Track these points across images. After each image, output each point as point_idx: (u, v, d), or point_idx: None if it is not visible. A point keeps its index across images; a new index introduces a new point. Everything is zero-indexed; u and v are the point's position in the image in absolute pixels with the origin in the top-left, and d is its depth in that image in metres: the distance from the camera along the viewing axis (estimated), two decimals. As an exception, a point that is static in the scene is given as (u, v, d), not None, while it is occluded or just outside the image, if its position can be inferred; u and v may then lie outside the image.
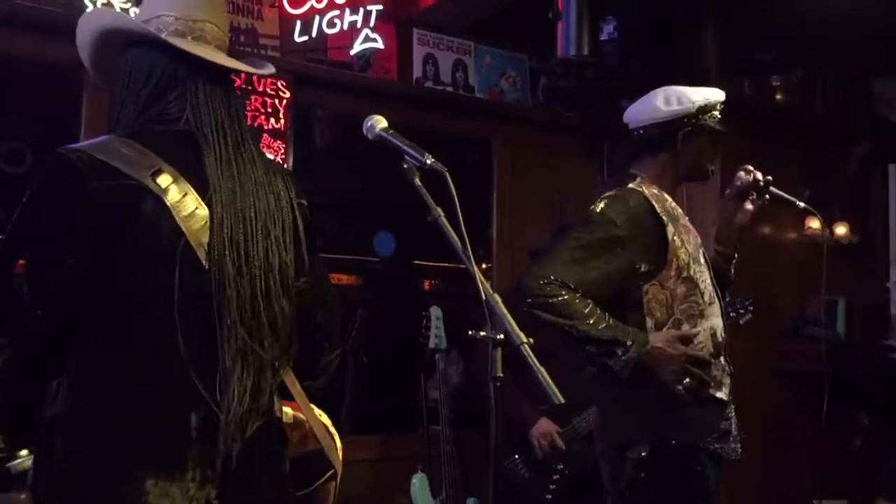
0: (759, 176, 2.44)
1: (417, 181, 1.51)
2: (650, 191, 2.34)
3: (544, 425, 3.31)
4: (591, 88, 4.07)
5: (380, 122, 1.60)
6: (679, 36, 4.09)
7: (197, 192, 1.46)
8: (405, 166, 1.52)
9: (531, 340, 1.37)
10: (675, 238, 2.28)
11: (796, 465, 4.15)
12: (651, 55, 3.77)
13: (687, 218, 2.43)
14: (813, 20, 3.99)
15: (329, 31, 3.67)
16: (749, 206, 2.47)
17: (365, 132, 1.62)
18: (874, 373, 4.10)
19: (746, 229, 2.50)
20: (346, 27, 3.66)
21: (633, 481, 2.21)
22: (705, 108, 2.36)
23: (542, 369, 1.34)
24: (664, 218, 2.28)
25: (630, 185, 2.36)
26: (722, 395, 2.30)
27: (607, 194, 2.34)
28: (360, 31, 3.69)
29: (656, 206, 2.29)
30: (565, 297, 2.14)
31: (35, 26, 3.16)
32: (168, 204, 1.42)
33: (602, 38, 3.65)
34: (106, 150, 1.44)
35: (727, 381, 2.34)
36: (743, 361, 4.02)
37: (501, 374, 1.36)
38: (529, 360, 1.33)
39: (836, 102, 4.68)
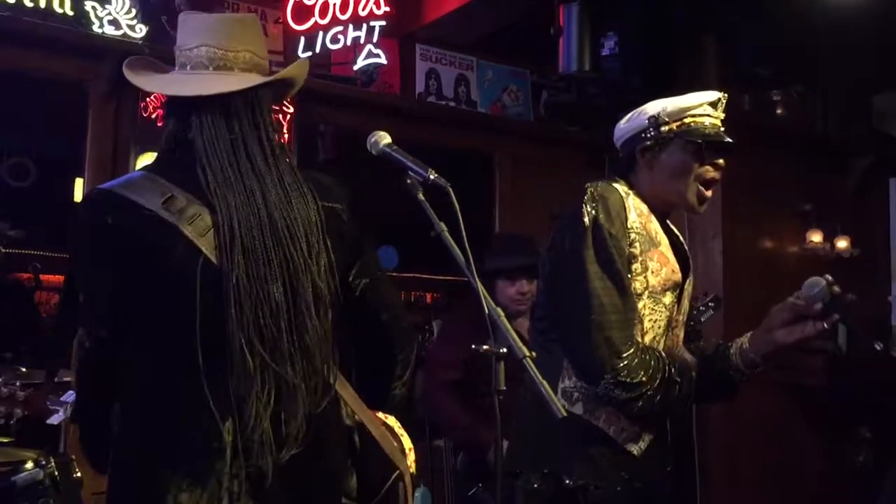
0: (837, 290, 1.84)
1: (421, 196, 1.52)
2: (635, 201, 2.04)
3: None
4: (593, 103, 4.09)
5: (383, 139, 1.62)
6: (679, 51, 4.12)
7: (210, 211, 1.49)
8: (408, 181, 1.54)
9: (534, 354, 1.38)
10: (637, 259, 1.97)
11: (798, 478, 4.15)
12: (652, 70, 3.79)
13: (689, 255, 2.13)
14: (813, 35, 4.02)
15: (332, 47, 3.71)
16: (803, 326, 1.89)
17: (369, 147, 1.63)
18: (876, 386, 4.10)
19: (783, 351, 1.95)
20: (349, 43, 3.69)
21: None
22: (658, 121, 2.02)
23: (544, 383, 1.35)
24: (633, 235, 1.98)
25: (613, 184, 2.06)
26: (634, 449, 1.94)
27: (589, 192, 2.01)
28: (363, 46, 3.72)
29: (630, 215, 1.99)
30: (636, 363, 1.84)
31: (42, 42, 3.19)
32: (181, 228, 1.45)
33: (603, 54, 3.68)
34: (130, 184, 1.50)
35: (648, 437, 1.96)
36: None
37: (504, 388, 1.37)
38: (533, 374, 1.34)
39: (836, 117, 4.70)
